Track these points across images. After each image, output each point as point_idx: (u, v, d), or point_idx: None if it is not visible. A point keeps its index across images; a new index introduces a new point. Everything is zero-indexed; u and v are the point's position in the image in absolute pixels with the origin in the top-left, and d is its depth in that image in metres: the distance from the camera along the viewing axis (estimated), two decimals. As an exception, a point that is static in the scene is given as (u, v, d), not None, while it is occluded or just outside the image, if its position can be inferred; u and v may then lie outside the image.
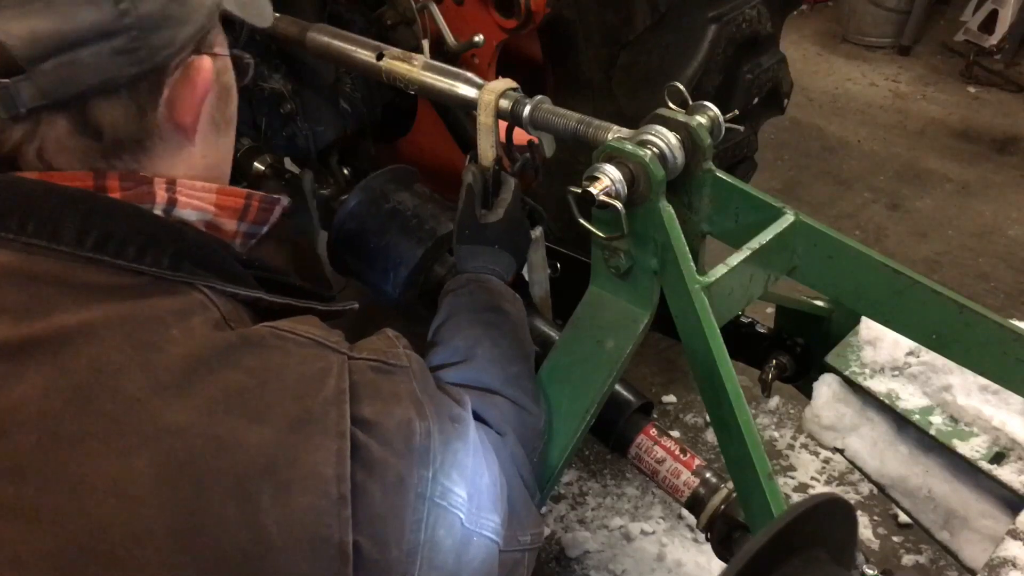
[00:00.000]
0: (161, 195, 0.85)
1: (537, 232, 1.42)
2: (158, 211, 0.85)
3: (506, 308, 1.21)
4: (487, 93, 1.30)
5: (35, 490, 0.73)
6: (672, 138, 1.16)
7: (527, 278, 1.49)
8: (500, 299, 1.22)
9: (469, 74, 1.38)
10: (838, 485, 2.50)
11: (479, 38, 1.87)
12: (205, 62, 0.87)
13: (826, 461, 2.57)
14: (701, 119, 1.19)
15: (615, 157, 1.12)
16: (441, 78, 1.39)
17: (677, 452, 1.35)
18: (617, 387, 1.36)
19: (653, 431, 1.38)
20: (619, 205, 1.09)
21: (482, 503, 0.92)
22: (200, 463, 0.74)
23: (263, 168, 1.79)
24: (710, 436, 2.60)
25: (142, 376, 0.75)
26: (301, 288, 0.97)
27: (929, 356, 1.45)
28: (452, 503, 0.87)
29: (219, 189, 0.92)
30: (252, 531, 0.74)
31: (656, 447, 1.36)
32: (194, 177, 0.91)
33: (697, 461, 1.35)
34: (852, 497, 2.45)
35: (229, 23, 0.97)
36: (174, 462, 0.74)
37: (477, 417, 1.04)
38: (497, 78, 1.37)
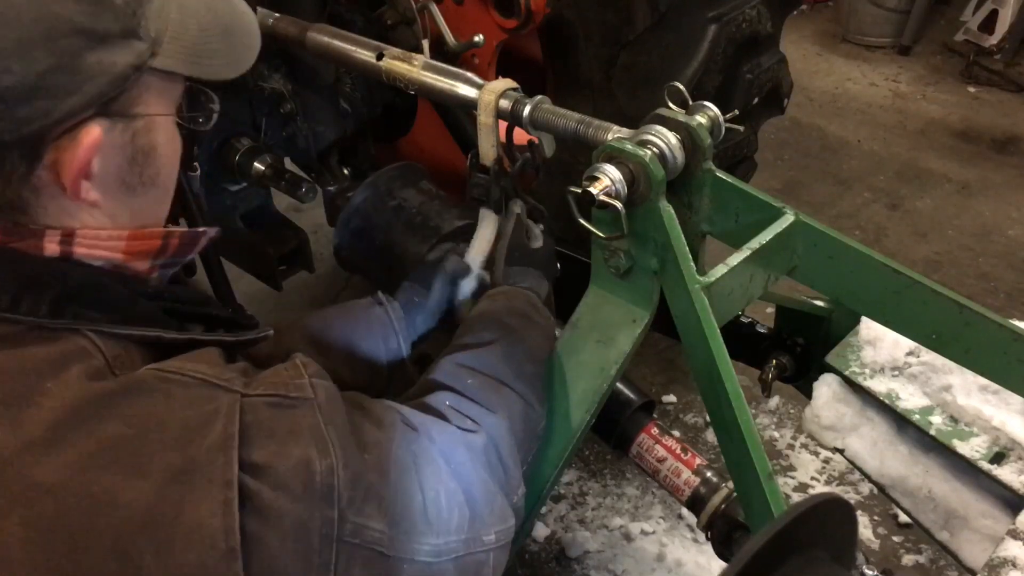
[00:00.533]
0: (51, 247, 0.81)
1: (539, 228, 1.43)
2: (49, 256, 0.81)
3: (536, 319, 1.23)
4: (487, 93, 1.30)
5: None
6: (672, 138, 1.16)
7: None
8: (534, 311, 1.24)
9: (469, 74, 1.38)
10: (838, 485, 2.50)
11: (479, 38, 1.88)
12: (91, 132, 0.80)
13: (826, 461, 2.57)
14: (701, 119, 1.19)
15: (615, 157, 1.12)
16: (441, 78, 1.39)
17: (678, 451, 1.35)
18: (619, 385, 1.36)
19: (655, 430, 1.38)
20: (619, 205, 1.09)
21: (412, 528, 0.87)
22: (74, 523, 0.70)
23: (263, 168, 1.79)
24: (710, 436, 2.60)
25: (11, 434, 0.72)
26: (218, 317, 0.93)
27: (929, 356, 1.45)
28: (367, 539, 0.82)
29: (130, 235, 0.87)
30: None
31: (657, 446, 1.36)
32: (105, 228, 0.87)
33: (698, 460, 1.35)
34: (852, 497, 2.45)
35: None
36: (46, 523, 0.70)
37: (467, 399, 1.02)
38: (497, 78, 1.37)
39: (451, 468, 0.95)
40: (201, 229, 0.96)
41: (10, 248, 0.79)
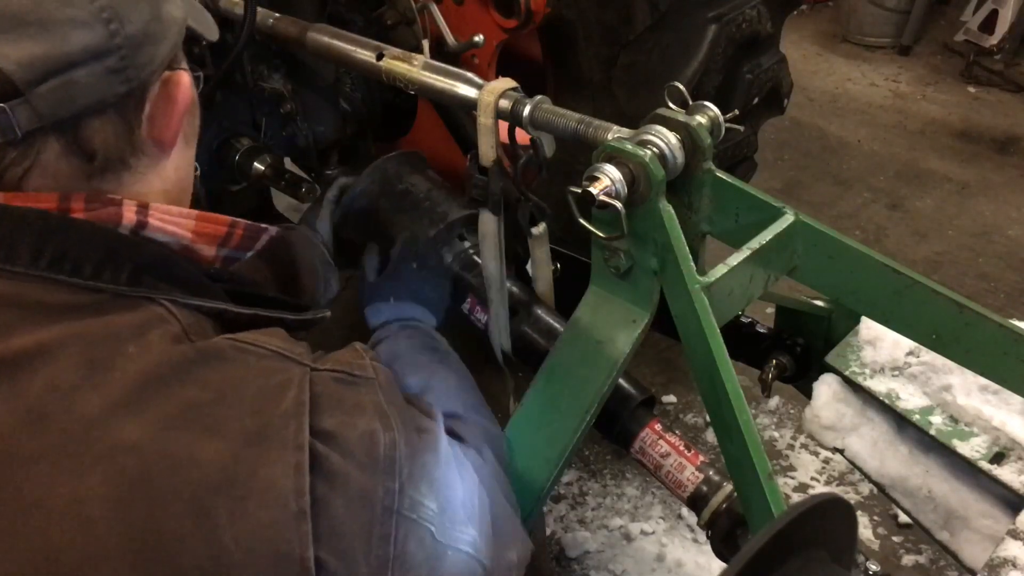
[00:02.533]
0: (129, 216, 0.84)
1: (540, 228, 1.42)
2: (124, 231, 0.84)
3: (442, 350, 1.24)
4: (487, 94, 1.30)
5: None
6: (672, 138, 1.16)
7: (531, 274, 1.50)
8: (434, 340, 1.25)
9: (469, 74, 1.38)
10: (838, 485, 2.50)
11: (479, 38, 1.87)
12: (183, 77, 0.89)
13: (826, 461, 2.57)
14: (701, 119, 1.19)
15: (615, 157, 1.12)
16: (441, 78, 1.39)
17: (682, 447, 1.35)
18: (620, 380, 1.36)
19: (658, 426, 1.38)
20: (619, 205, 1.09)
21: (455, 516, 0.90)
22: (155, 481, 0.73)
23: (263, 168, 1.79)
24: (710, 436, 2.60)
25: (96, 395, 0.75)
26: (275, 300, 0.96)
27: (929, 356, 1.45)
28: (422, 515, 0.85)
29: (199, 216, 0.90)
30: (210, 548, 0.73)
31: (661, 441, 1.36)
32: (167, 191, 0.91)
33: (701, 458, 1.35)
34: (852, 497, 2.45)
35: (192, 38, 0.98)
36: (128, 481, 0.73)
37: (453, 435, 1.03)
38: (497, 78, 1.37)
39: (481, 480, 1.00)
40: (264, 225, 0.99)
41: (90, 221, 0.82)
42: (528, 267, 1.48)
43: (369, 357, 0.91)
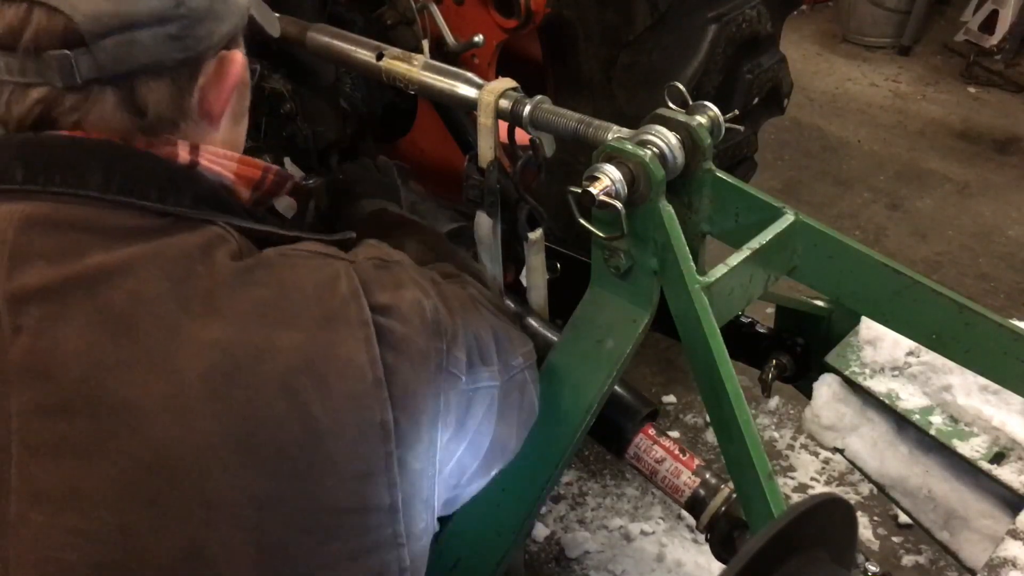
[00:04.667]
0: (183, 155, 0.91)
1: (537, 234, 1.41)
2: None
3: (409, 217, 1.38)
4: (487, 94, 1.29)
5: (88, 422, 0.77)
6: (672, 138, 1.16)
7: (524, 283, 1.48)
8: (402, 214, 1.39)
9: (469, 74, 1.37)
10: (838, 485, 2.50)
11: (479, 38, 1.87)
12: (237, 56, 0.95)
13: (826, 461, 2.57)
14: (701, 119, 1.19)
15: (615, 157, 1.12)
16: (441, 78, 1.39)
17: (676, 452, 1.35)
18: (622, 392, 1.36)
19: (652, 431, 1.38)
20: (619, 205, 1.09)
21: (474, 359, 1.00)
22: (245, 370, 0.80)
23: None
24: (710, 436, 2.60)
25: (177, 304, 0.81)
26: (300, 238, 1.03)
27: (929, 356, 1.45)
28: (459, 369, 0.96)
29: (240, 159, 0.98)
30: (303, 423, 0.80)
31: (655, 447, 1.36)
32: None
33: (697, 461, 1.35)
34: (852, 497, 2.45)
35: None
36: (219, 373, 0.79)
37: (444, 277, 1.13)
38: (497, 78, 1.37)
39: (476, 308, 1.09)
40: (288, 172, 1.07)
41: (149, 152, 0.88)
42: (523, 277, 1.46)
43: (386, 246, 1.03)
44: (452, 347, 0.95)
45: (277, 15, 1.65)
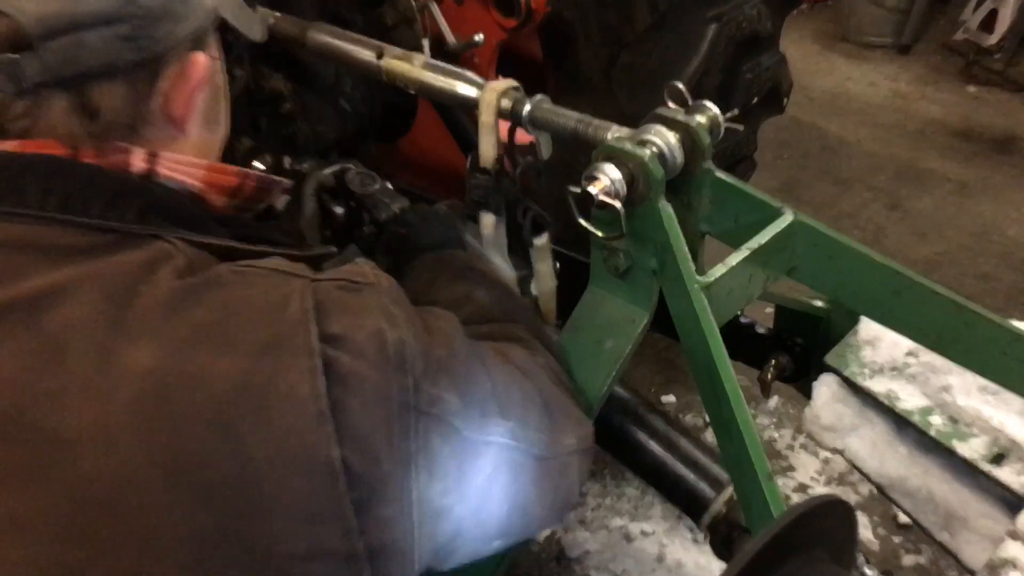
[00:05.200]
0: (137, 164, 0.87)
1: (543, 240, 1.41)
2: (132, 175, 0.88)
3: (481, 265, 1.27)
4: (489, 92, 1.29)
5: (23, 451, 0.74)
6: (672, 138, 1.16)
7: (533, 290, 1.48)
8: (470, 258, 1.28)
9: (469, 74, 1.37)
10: (838, 485, 2.50)
11: (479, 37, 1.88)
12: (200, 58, 0.91)
13: (826, 461, 2.57)
14: (701, 119, 1.19)
15: (614, 157, 1.12)
16: (441, 78, 1.39)
17: None
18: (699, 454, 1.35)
19: None
20: (618, 205, 1.09)
21: (486, 409, 0.92)
22: (175, 400, 0.75)
23: (263, 168, 1.79)
24: (710, 436, 2.60)
25: (113, 328, 0.77)
26: (282, 243, 0.98)
27: (929, 356, 1.44)
28: (443, 410, 0.87)
29: (209, 166, 0.93)
30: (237, 459, 0.75)
31: None
32: None
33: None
34: (852, 497, 2.45)
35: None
36: (150, 403, 0.75)
37: (488, 338, 1.06)
38: (497, 78, 1.37)
39: (523, 371, 1.01)
40: (276, 178, 1.02)
41: (92, 164, 0.84)
42: (532, 286, 1.46)
43: (370, 267, 0.92)
44: (427, 384, 0.85)
45: (274, 16, 1.66)
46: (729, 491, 1.29)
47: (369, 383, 0.81)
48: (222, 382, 0.76)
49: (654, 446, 1.35)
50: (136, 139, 0.88)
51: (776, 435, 2.66)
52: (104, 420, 0.74)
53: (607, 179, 1.09)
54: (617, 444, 1.39)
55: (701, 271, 1.22)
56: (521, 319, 1.16)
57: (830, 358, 1.51)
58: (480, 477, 0.92)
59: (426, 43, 1.90)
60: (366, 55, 1.50)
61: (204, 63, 0.92)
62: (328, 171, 1.52)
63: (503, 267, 1.38)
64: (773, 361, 1.58)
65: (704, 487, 1.30)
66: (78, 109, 0.84)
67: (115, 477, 0.73)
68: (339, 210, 1.47)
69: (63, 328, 0.76)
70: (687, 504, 1.33)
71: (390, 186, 1.55)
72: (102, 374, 0.75)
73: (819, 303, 1.57)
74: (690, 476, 1.31)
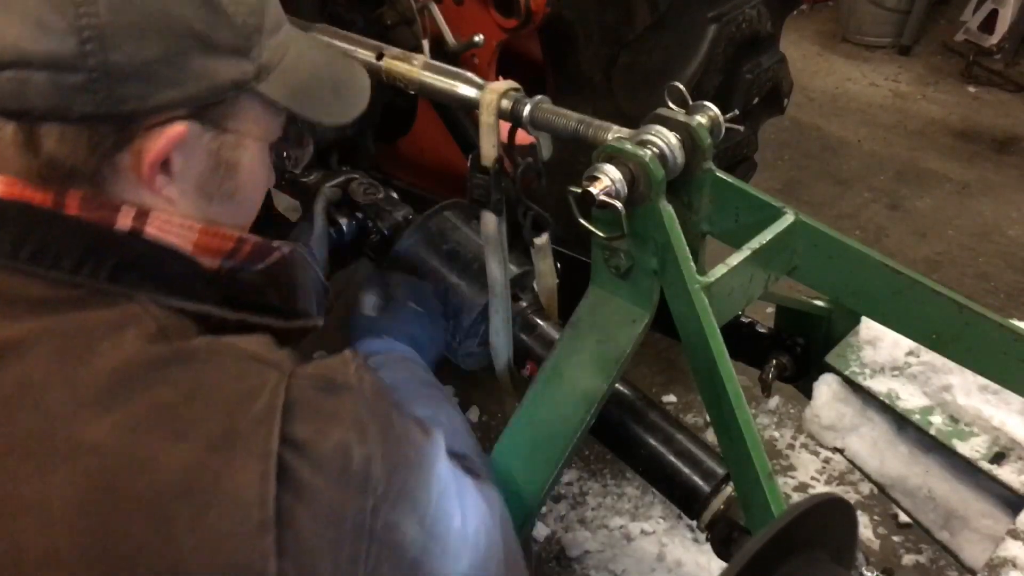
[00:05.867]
0: (123, 221, 0.83)
1: (543, 239, 1.41)
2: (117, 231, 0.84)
3: (438, 385, 1.22)
4: (489, 93, 1.30)
5: None
6: (672, 138, 1.16)
7: (535, 287, 1.48)
8: (430, 376, 1.23)
9: (469, 74, 1.37)
10: (838, 485, 2.50)
11: (479, 38, 1.87)
12: (174, 129, 0.83)
13: (826, 461, 2.57)
14: (701, 119, 1.19)
15: (615, 157, 1.12)
16: (441, 78, 1.39)
17: None
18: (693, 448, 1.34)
19: None
20: (619, 205, 1.09)
21: (446, 545, 0.85)
22: (117, 483, 0.71)
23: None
24: (710, 436, 2.60)
25: (66, 391, 0.73)
26: (270, 306, 0.94)
27: (929, 356, 1.45)
28: (399, 540, 0.80)
29: (203, 229, 0.89)
30: (168, 556, 0.71)
31: None
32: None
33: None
34: (852, 497, 2.45)
35: None
36: (90, 483, 0.71)
37: (468, 471, 0.99)
38: (497, 78, 1.37)
39: (495, 519, 0.95)
40: (276, 243, 0.97)
41: (81, 218, 0.81)
42: (534, 283, 1.46)
43: (356, 365, 0.85)
44: (386, 509, 0.79)
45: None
46: (728, 490, 1.29)
47: (324, 499, 0.75)
48: (168, 472, 0.72)
49: (650, 440, 1.35)
50: (99, 185, 0.83)
51: (776, 435, 2.66)
52: (44, 492, 0.71)
53: (608, 179, 1.10)
54: (614, 438, 1.39)
55: (702, 271, 1.22)
56: (480, 460, 1.10)
57: (831, 358, 1.51)
58: None
59: (426, 43, 1.90)
60: (366, 55, 1.50)
61: (174, 135, 0.83)
62: (334, 183, 1.53)
63: (497, 268, 1.38)
64: (774, 361, 1.58)
65: (699, 481, 1.30)
66: (23, 142, 0.80)
67: (40, 553, 0.70)
68: (344, 221, 1.48)
69: (17, 387, 0.73)
70: (683, 498, 1.33)
71: (394, 194, 1.56)
72: (48, 443, 0.72)
73: (820, 303, 1.57)
74: (685, 470, 1.31)
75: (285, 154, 1.22)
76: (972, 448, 1.35)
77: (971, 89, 4.86)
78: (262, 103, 0.90)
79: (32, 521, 0.70)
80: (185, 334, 0.82)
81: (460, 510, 0.89)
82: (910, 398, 1.43)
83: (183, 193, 0.88)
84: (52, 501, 0.71)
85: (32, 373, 0.74)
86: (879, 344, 1.49)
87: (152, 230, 0.85)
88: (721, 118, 1.21)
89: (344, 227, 1.49)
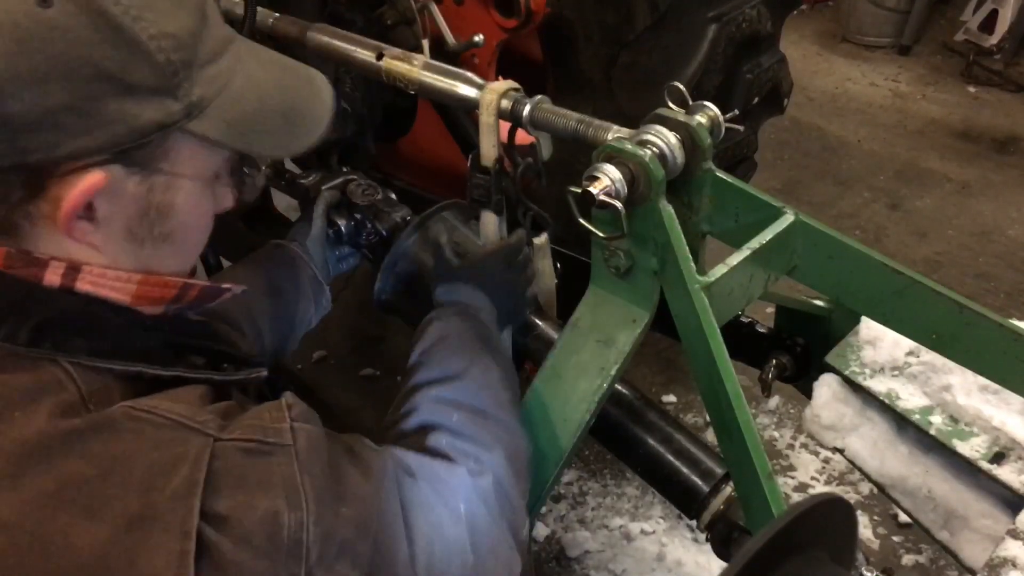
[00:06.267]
0: (51, 278, 0.78)
1: (542, 239, 1.41)
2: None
3: (495, 342, 1.19)
4: (489, 93, 1.30)
5: None
6: (672, 138, 1.16)
7: (534, 287, 1.48)
8: (489, 332, 1.19)
9: (469, 74, 1.37)
10: (838, 485, 2.50)
11: (479, 38, 1.87)
12: (91, 178, 0.77)
13: (826, 461, 2.57)
14: (701, 119, 1.19)
15: (615, 157, 1.12)
16: (441, 78, 1.39)
17: None
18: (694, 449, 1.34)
19: None
20: (619, 205, 1.09)
21: None
22: (26, 564, 0.68)
23: (263, 168, 1.79)
24: (710, 436, 2.60)
25: None
26: (220, 352, 0.91)
27: (929, 356, 1.45)
28: None
29: (143, 280, 0.84)
30: None
31: None
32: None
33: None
34: (852, 497, 2.45)
35: None
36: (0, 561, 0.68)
37: (462, 436, 0.99)
38: (498, 78, 1.37)
39: (454, 515, 0.93)
40: (226, 285, 0.93)
41: (8, 275, 0.77)
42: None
43: (291, 416, 0.82)
44: (322, 572, 0.77)
45: (274, 16, 1.66)
46: (728, 490, 1.29)
47: (249, 572, 0.73)
48: (79, 554, 0.69)
49: (649, 440, 1.35)
50: (25, 240, 0.78)
51: (776, 435, 2.66)
52: None
53: (608, 179, 1.10)
54: (612, 438, 1.39)
55: (702, 271, 1.22)
56: (503, 411, 1.08)
57: (831, 358, 1.51)
58: None
59: (426, 43, 1.90)
60: (366, 55, 1.50)
61: (91, 183, 0.77)
62: (333, 184, 1.53)
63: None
64: (774, 361, 1.58)
65: (697, 481, 1.30)
66: None
67: None
68: (342, 222, 1.49)
69: None
70: (681, 498, 1.33)
71: (393, 195, 1.56)
72: None
73: (820, 303, 1.57)
74: (684, 470, 1.31)
75: (245, 175, 1.19)
76: (972, 448, 1.35)
77: (971, 89, 4.86)
78: (197, 140, 0.82)
79: None
80: (108, 398, 0.77)
81: (407, 537, 0.87)
82: (910, 398, 1.43)
83: (109, 239, 0.82)
84: None
85: None
86: (879, 344, 1.49)
87: (84, 285, 0.80)
88: (721, 118, 1.21)
89: (343, 228, 1.50)
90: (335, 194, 1.53)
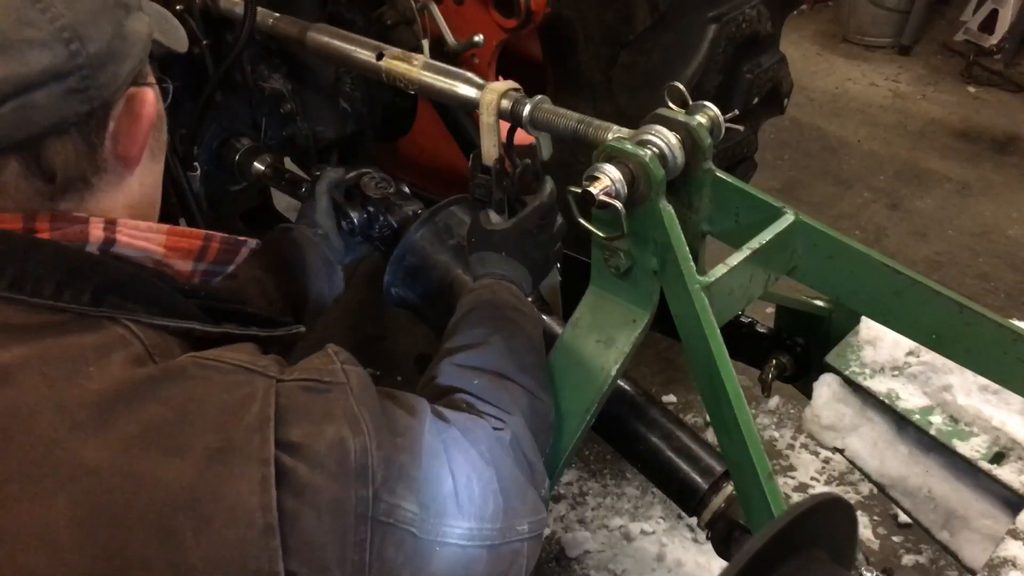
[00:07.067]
0: (96, 234, 0.84)
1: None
2: (92, 249, 0.84)
3: (525, 311, 1.22)
4: (489, 93, 1.30)
5: None
6: (672, 138, 1.16)
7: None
8: (520, 303, 1.22)
9: (469, 74, 1.38)
10: (838, 485, 2.50)
11: (479, 38, 1.88)
12: (148, 94, 0.87)
13: (826, 461, 2.57)
14: (701, 119, 1.19)
15: (615, 157, 1.12)
16: (441, 78, 1.39)
17: None
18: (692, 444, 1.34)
19: None
20: (619, 205, 1.09)
21: (442, 511, 0.89)
22: (119, 503, 0.73)
23: (263, 168, 1.79)
24: (710, 436, 2.60)
25: (58, 416, 0.74)
26: (253, 315, 0.95)
27: (929, 356, 1.45)
28: (400, 519, 0.84)
29: (171, 230, 0.90)
30: (177, 570, 0.73)
31: None
32: (132, 206, 0.90)
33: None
34: (852, 497, 2.45)
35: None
36: (92, 504, 0.72)
37: (482, 398, 1.04)
38: (498, 78, 1.37)
39: (484, 458, 0.97)
40: (242, 238, 0.99)
41: (54, 241, 0.81)
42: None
43: (341, 360, 0.88)
44: (385, 495, 0.83)
45: (274, 16, 1.66)
46: (729, 488, 1.29)
47: (326, 494, 0.79)
48: (168, 487, 0.74)
49: (649, 436, 1.35)
50: (88, 190, 0.85)
51: (776, 435, 2.66)
52: (44, 517, 0.72)
53: (608, 179, 1.10)
54: (612, 433, 1.39)
55: (702, 271, 1.22)
56: (525, 374, 1.12)
57: (831, 358, 1.51)
58: None
59: (426, 43, 1.90)
60: (366, 55, 1.50)
61: (152, 98, 0.88)
62: (336, 173, 1.53)
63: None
64: (774, 361, 1.58)
65: (697, 478, 1.30)
66: (33, 171, 0.80)
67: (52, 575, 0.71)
68: (355, 215, 1.49)
69: (5, 414, 0.74)
70: (681, 495, 1.33)
71: (406, 189, 1.57)
72: (46, 467, 0.73)
73: (820, 303, 1.57)
74: (683, 467, 1.31)
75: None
76: (972, 448, 1.35)
77: (971, 89, 4.86)
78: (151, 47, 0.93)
79: (38, 546, 0.72)
80: (170, 352, 0.82)
81: (450, 471, 0.92)
82: (910, 398, 1.43)
83: (145, 160, 0.90)
84: (57, 525, 0.72)
85: (22, 400, 0.74)
86: (879, 344, 1.49)
87: (123, 238, 0.85)
88: (721, 118, 1.21)
89: (355, 220, 1.50)
90: (339, 172, 1.52)
